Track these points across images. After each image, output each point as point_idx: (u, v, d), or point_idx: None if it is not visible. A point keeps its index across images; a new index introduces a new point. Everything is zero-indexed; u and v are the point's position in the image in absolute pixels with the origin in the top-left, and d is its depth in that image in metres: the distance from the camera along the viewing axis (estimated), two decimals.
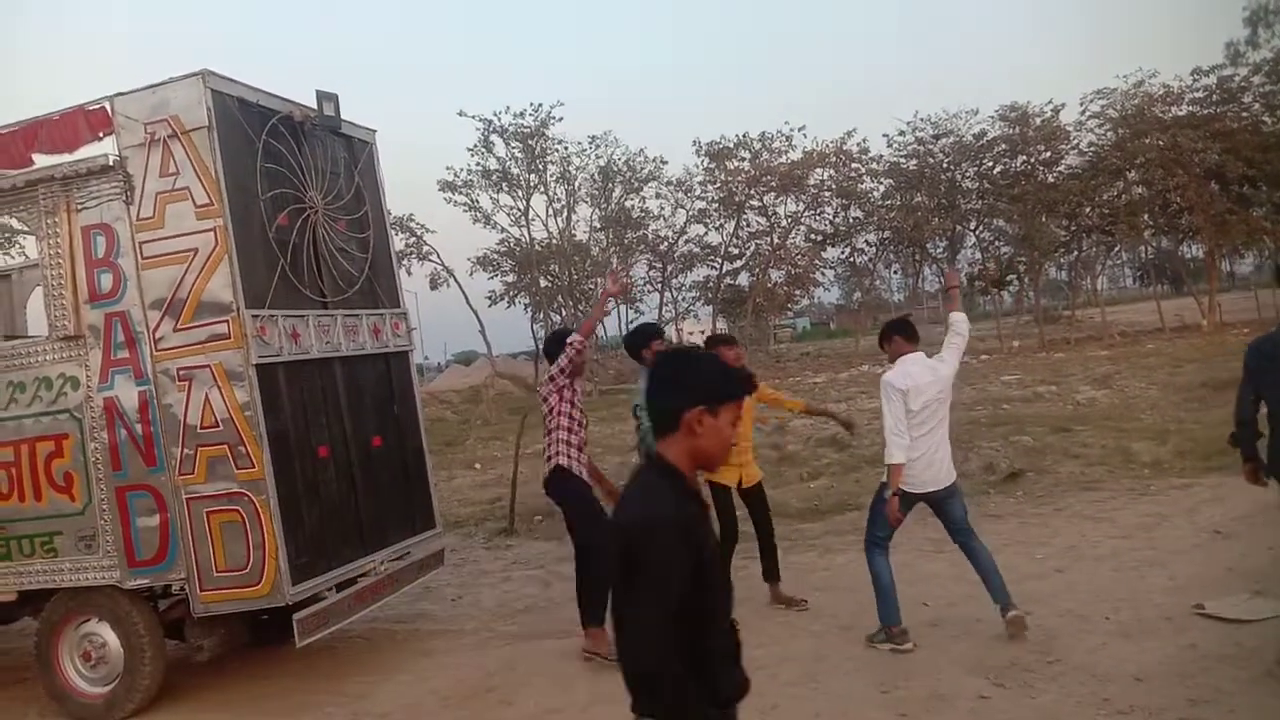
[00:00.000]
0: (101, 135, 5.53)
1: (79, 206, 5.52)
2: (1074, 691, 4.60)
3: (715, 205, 35.71)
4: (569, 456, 5.86)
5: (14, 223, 7.05)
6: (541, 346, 6.70)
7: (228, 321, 5.24)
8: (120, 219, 5.42)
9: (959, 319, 5.80)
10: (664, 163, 36.66)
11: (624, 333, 53.18)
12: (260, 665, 6.29)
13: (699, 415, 2.22)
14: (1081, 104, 31.17)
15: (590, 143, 36.70)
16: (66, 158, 5.61)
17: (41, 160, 5.71)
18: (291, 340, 5.59)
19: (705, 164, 34.85)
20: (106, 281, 5.48)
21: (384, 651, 6.50)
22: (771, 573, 6.45)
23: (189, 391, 5.30)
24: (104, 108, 5.49)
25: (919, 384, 5.32)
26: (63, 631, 5.72)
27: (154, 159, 5.34)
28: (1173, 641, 5.06)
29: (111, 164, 5.42)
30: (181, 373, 5.31)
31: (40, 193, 5.58)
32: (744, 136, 34.02)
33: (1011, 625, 5.29)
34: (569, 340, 5.92)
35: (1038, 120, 31.42)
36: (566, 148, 36.08)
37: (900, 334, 5.59)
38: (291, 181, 5.83)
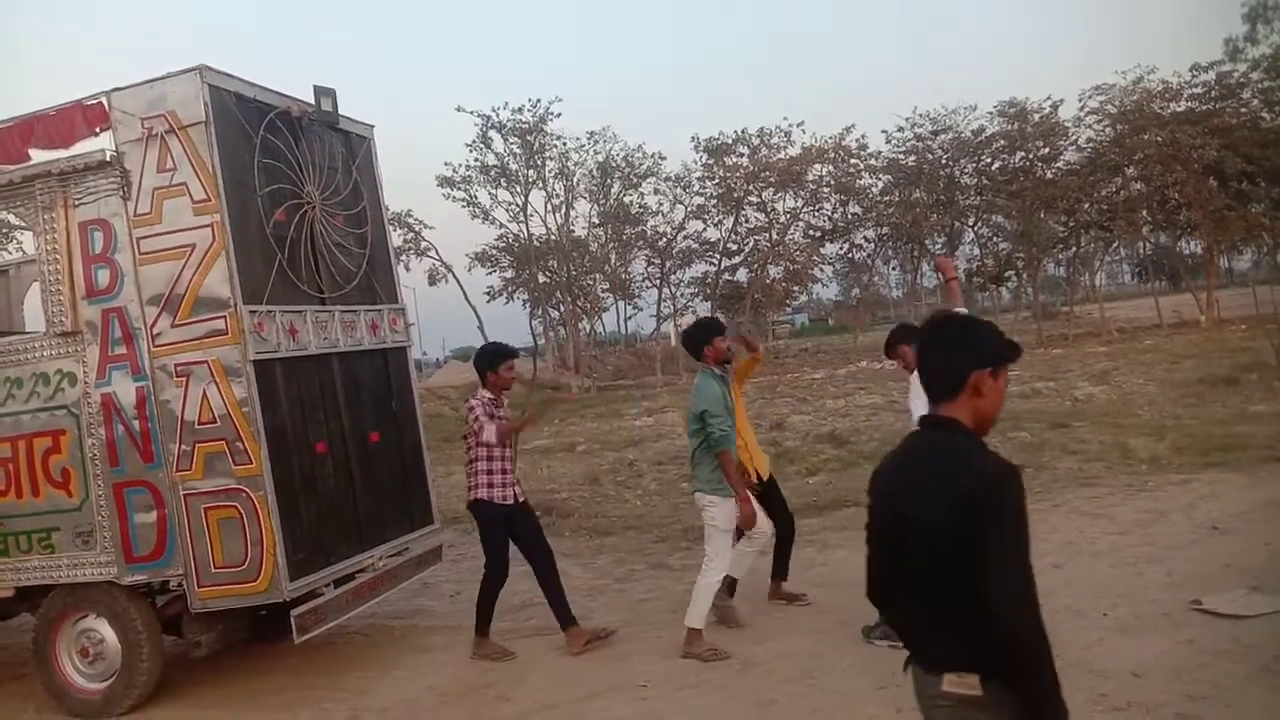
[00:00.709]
0: (99, 130, 5.52)
1: (76, 202, 5.51)
2: (1071, 687, 4.54)
3: (714, 201, 35.70)
4: (490, 487, 5.99)
5: (11, 218, 7.07)
6: (474, 361, 6.65)
7: (225, 317, 5.23)
8: (117, 214, 5.41)
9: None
10: (662, 158, 36.63)
11: (623, 329, 52.95)
12: (258, 661, 6.29)
13: (984, 377, 2.27)
14: (1080, 100, 31.20)
15: (589, 138, 36.69)
16: (63, 153, 5.60)
17: (38, 155, 5.70)
18: (289, 336, 5.59)
19: (704, 160, 34.84)
20: (104, 277, 5.47)
21: (382, 647, 6.51)
22: (782, 569, 6.41)
23: (186, 387, 5.29)
24: (101, 103, 5.48)
25: None
26: (60, 627, 5.71)
27: (151, 154, 5.32)
28: (1170, 637, 5.06)
29: (109, 159, 5.41)
30: (179, 369, 5.31)
31: (37, 188, 5.57)
32: (743, 132, 34.01)
33: None
34: (481, 431, 5.90)
35: (1036, 116, 31.43)
36: (565, 143, 36.06)
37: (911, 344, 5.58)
38: (289, 177, 5.82)
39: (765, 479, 6.22)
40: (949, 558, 2.15)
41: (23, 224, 6.29)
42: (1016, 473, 2.19)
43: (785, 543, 6.33)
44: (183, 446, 5.31)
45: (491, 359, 6.14)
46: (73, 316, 5.52)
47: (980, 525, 2.10)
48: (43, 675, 5.75)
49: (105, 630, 5.61)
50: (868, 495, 2.53)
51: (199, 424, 5.28)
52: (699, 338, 5.94)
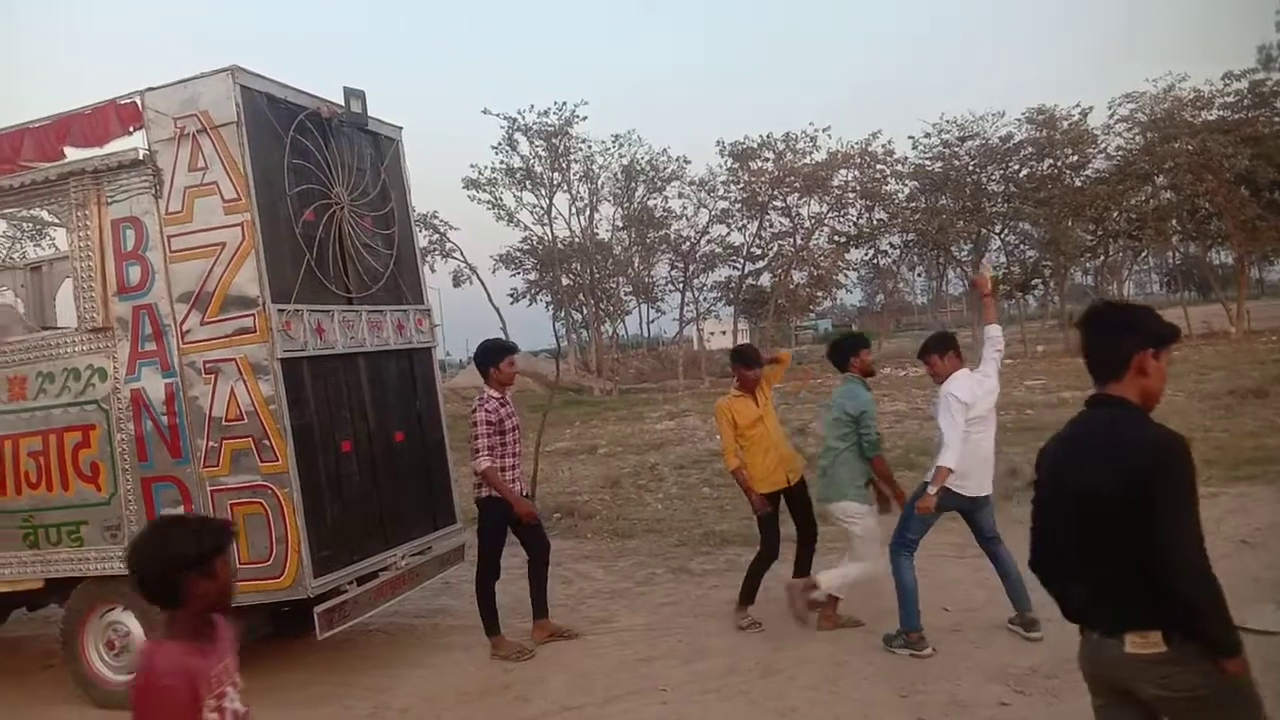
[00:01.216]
0: (132, 130, 5.59)
1: (109, 200, 5.58)
2: None
3: (738, 205, 35.65)
4: (514, 481, 6.10)
5: (45, 215, 7.15)
6: (474, 358, 6.64)
7: (254, 315, 5.28)
8: (149, 212, 5.47)
9: (995, 332, 5.93)
10: (687, 162, 36.69)
11: (646, 332, 52.98)
12: (281, 657, 6.33)
13: (1149, 357, 2.48)
14: (1110, 107, 30.96)
15: (613, 142, 36.79)
16: (97, 151, 5.67)
17: (73, 154, 5.78)
18: (316, 335, 5.63)
19: (729, 164, 34.80)
20: (135, 274, 5.53)
21: (404, 646, 6.53)
22: (804, 572, 6.28)
23: (215, 384, 5.35)
24: (135, 102, 5.54)
25: (976, 395, 5.51)
26: (88, 620, 5.78)
27: (183, 153, 5.38)
28: None
29: (141, 158, 5.48)
30: (207, 365, 5.36)
31: (71, 186, 5.64)
32: (768, 137, 33.96)
33: (1030, 627, 5.38)
34: (477, 455, 5.91)
35: (1065, 123, 31.18)
36: (590, 146, 36.18)
37: (952, 349, 5.68)
38: (318, 177, 5.87)
39: (794, 483, 6.19)
40: (1125, 525, 2.33)
41: (56, 221, 6.37)
42: (1185, 442, 2.39)
43: (806, 549, 6.30)
44: (210, 443, 5.36)
45: (493, 355, 6.17)
46: (104, 313, 5.58)
47: (1154, 492, 2.29)
48: (71, 666, 5.82)
49: (131, 623, 5.67)
50: (1035, 472, 2.73)
51: (226, 421, 5.32)
52: (846, 350, 6.02)
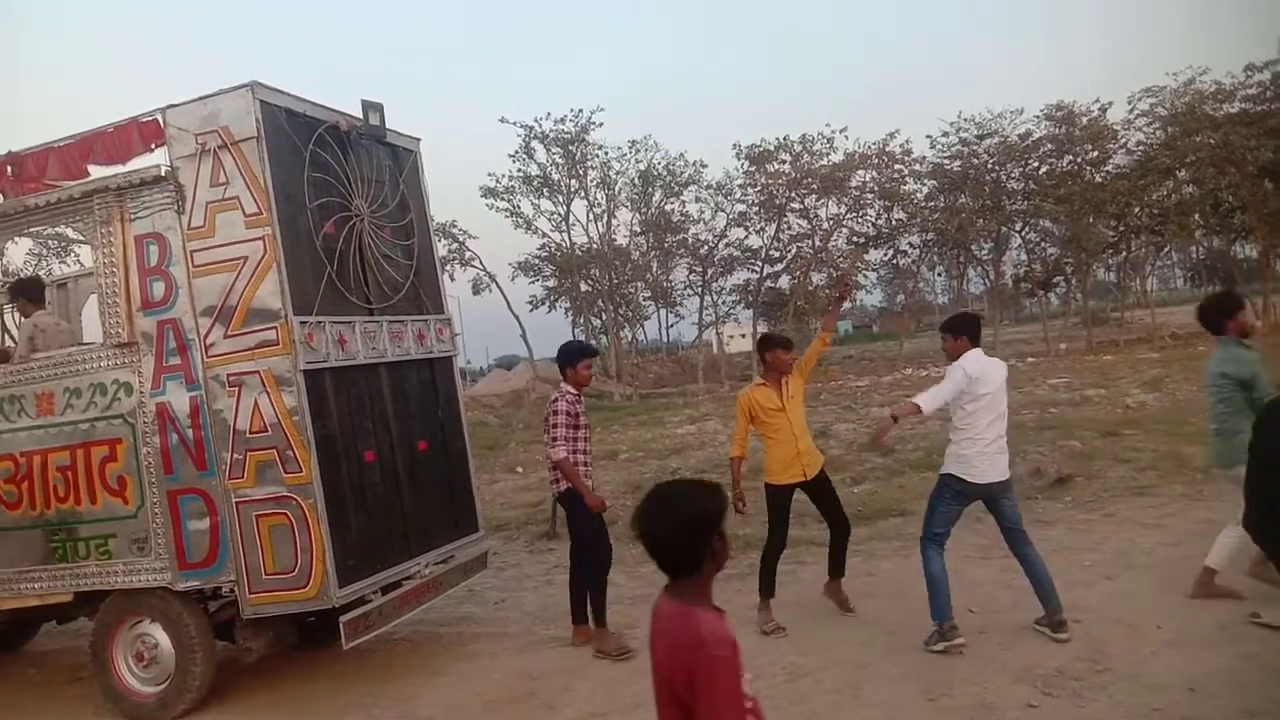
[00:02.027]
0: (154, 146, 5.66)
1: (132, 216, 5.64)
2: (1124, 701, 4.52)
3: (755, 208, 35.60)
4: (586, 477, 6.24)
5: (70, 232, 7.24)
6: (555, 357, 6.79)
7: (276, 328, 5.32)
8: (172, 228, 5.53)
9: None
10: (704, 166, 36.69)
11: (665, 337, 52.80)
12: (308, 667, 6.38)
13: None
14: (1130, 102, 30.69)
15: (630, 147, 36.85)
16: (120, 169, 5.74)
17: (96, 171, 5.86)
18: (338, 346, 5.67)
19: (745, 167, 34.77)
20: (159, 289, 5.59)
21: (428, 654, 6.56)
22: (839, 568, 6.37)
23: (238, 397, 5.39)
24: (156, 120, 5.61)
25: (987, 374, 5.50)
26: (117, 632, 5.84)
27: (205, 169, 5.44)
28: (1228, 651, 4.95)
29: (164, 174, 5.54)
30: (231, 379, 5.41)
31: (95, 203, 5.71)
32: (784, 139, 33.90)
33: (1058, 629, 5.35)
34: (554, 445, 6.15)
35: (1084, 119, 30.95)
36: (607, 153, 36.25)
37: (966, 333, 5.68)
38: (338, 190, 5.92)
39: (811, 478, 6.23)
40: None
41: (81, 238, 6.45)
42: None
43: (839, 545, 6.30)
44: (235, 455, 5.40)
45: (571, 357, 6.39)
46: (129, 328, 5.65)
47: None
48: (100, 678, 5.88)
49: (160, 635, 5.72)
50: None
51: (251, 433, 5.37)
52: (1219, 311, 5.81)
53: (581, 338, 43.30)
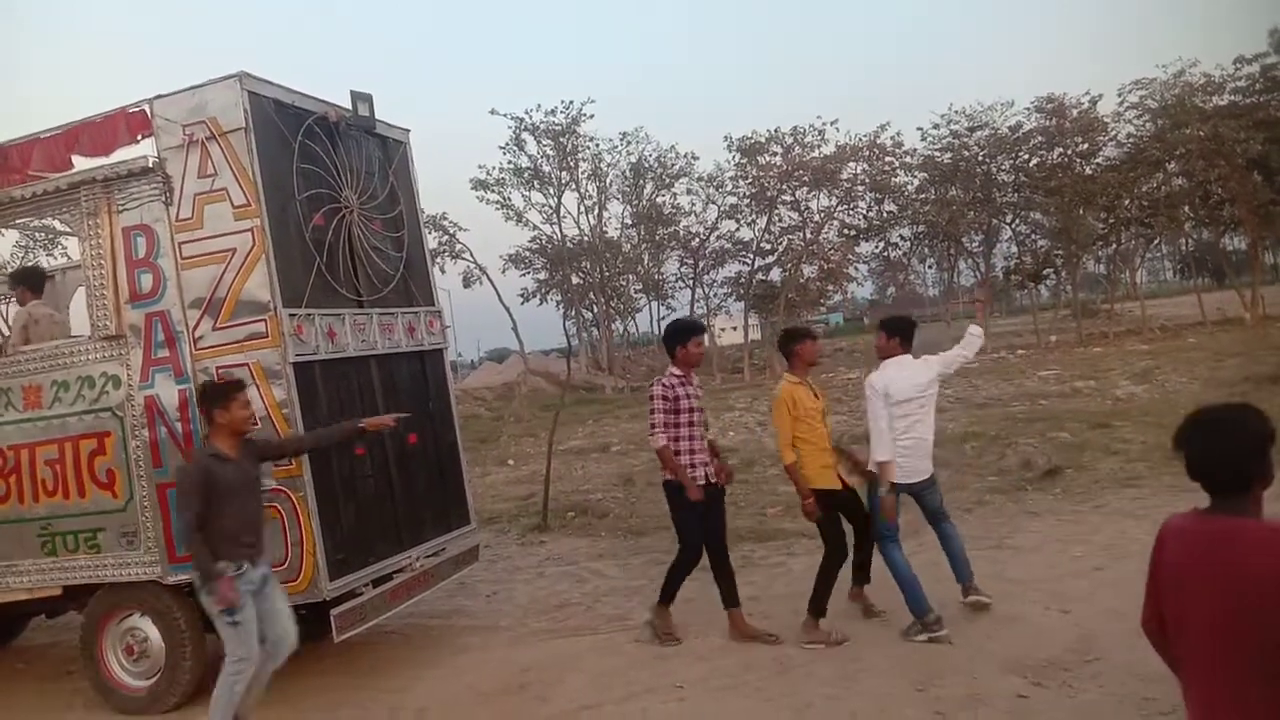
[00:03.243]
0: (141, 138, 5.61)
1: (119, 208, 5.61)
2: (1115, 691, 4.54)
3: (747, 201, 35.60)
4: (689, 467, 5.81)
5: (57, 224, 7.19)
6: (662, 336, 6.58)
7: (265, 320, 5.30)
8: (160, 220, 5.50)
9: (976, 332, 6.08)
10: (695, 158, 36.70)
11: (656, 330, 53.35)
12: (298, 660, 6.33)
13: None
14: (1119, 95, 30.78)
15: (621, 139, 36.83)
16: (106, 160, 5.70)
17: (81, 162, 5.80)
18: (328, 339, 5.64)
19: (736, 159, 34.75)
20: (147, 282, 5.55)
21: (420, 647, 6.55)
22: (866, 576, 6.14)
23: None
24: (143, 110, 5.56)
25: (897, 384, 5.62)
26: (106, 626, 5.82)
27: (192, 160, 5.41)
28: None
29: (151, 165, 5.50)
30: (220, 371, 5.38)
31: (82, 195, 5.67)
32: (775, 131, 33.89)
33: (972, 607, 5.65)
34: (654, 430, 5.87)
35: (1074, 112, 31.03)
36: (598, 145, 36.21)
37: (899, 335, 5.82)
38: (327, 181, 5.89)
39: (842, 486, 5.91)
40: None
41: (68, 230, 6.41)
42: None
43: (865, 552, 6.04)
44: None
45: (681, 334, 6.00)
46: (117, 320, 5.61)
47: None
48: (90, 673, 5.85)
49: (149, 629, 5.70)
50: None
51: None
52: None
53: (573, 330, 43.35)
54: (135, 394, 5.59)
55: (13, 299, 6.50)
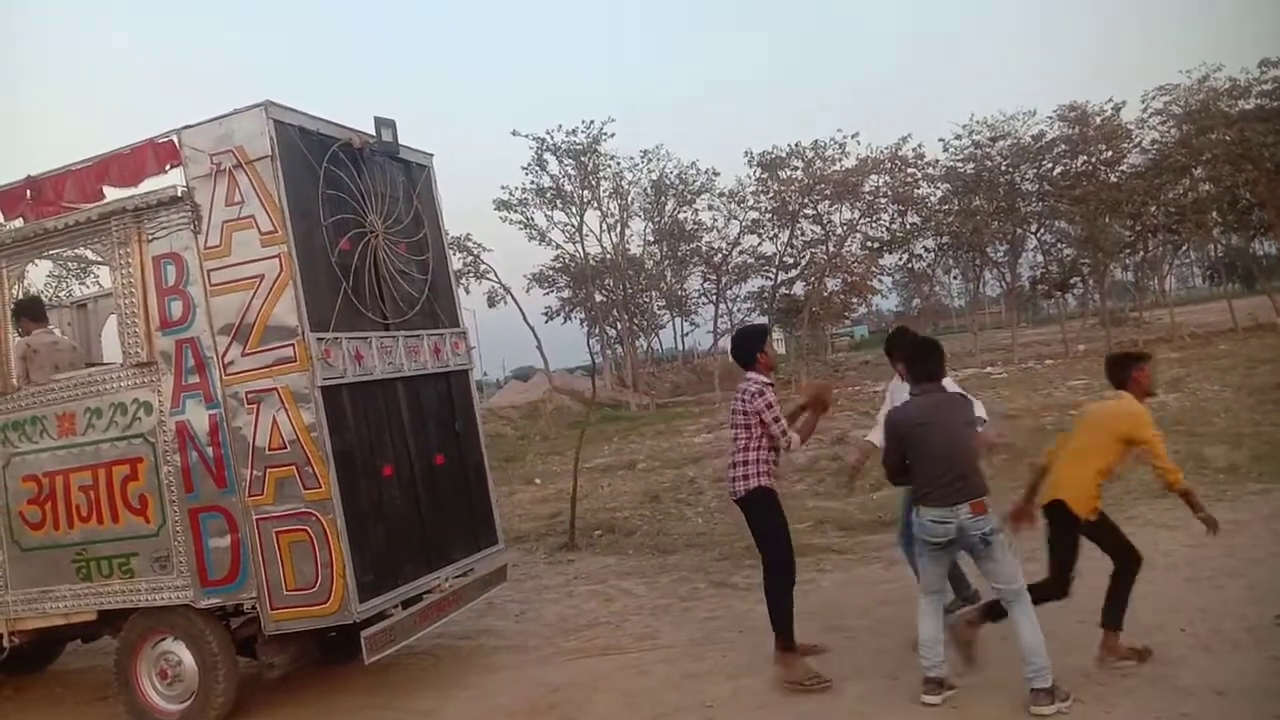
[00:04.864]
0: (169, 167, 5.70)
1: (149, 237, 5.69)
2: (1151, 706, 4.48)
3: (769, 215, 35.60)
4: (769, 476, 5.59)
5: (89, 254, 7.30)
6: (731, 347, 6.21)
7: (293, 345, 5.35)
8: (189, 248, 5.58)
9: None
10: (716, 174, 36.77)
11: (680, 346, 52.99)
12: (330, 682, 6.40)
13: None
14: (1143, 101, 30.55)
15: (642, 157, 36.97)
16: (135, 190, 5.80)
17: (111, 193, 5.91)
18: (355, 362, 5.70)
19: (758, 174, 34.78)
20: (177, 309, 5.63)
21: (450, 667, 6.57)
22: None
23: (257, 414, 5.42)
24: (171, 141, 5.66)
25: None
26: (140, 650, 5.87)
27: (220, 189, 5.48)
28: (1256, 654, 4.90)
29: (180, 195, 5.58)
30: (250, 396, 5.44)
31: (113, 224, 5.76)
32: (796, 145, 33.91)
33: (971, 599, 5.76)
34: (785, 437, 5.52)
35: (1098, 119, 30.83)
36: (619, 163, 36.36)
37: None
38: (352, 207, 5.95)
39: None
40: None
41: (100, 259, 6.52)
42: None
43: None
44: (254, 472, 5.43)
45: (758, 339, 5.78)
46: (148, 348, 5.69)
47: None
48: (125, 696, 5.91)
49: (183, 653, 5.74)
50: None
51: (270, 449, 5.39)
52: None
53: (597, 348, 43.42)
54: (167, 420, 5.66)
55: (19, 331, 6.54)
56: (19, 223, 6.23)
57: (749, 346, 5.75)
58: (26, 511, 6.08)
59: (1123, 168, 31.54)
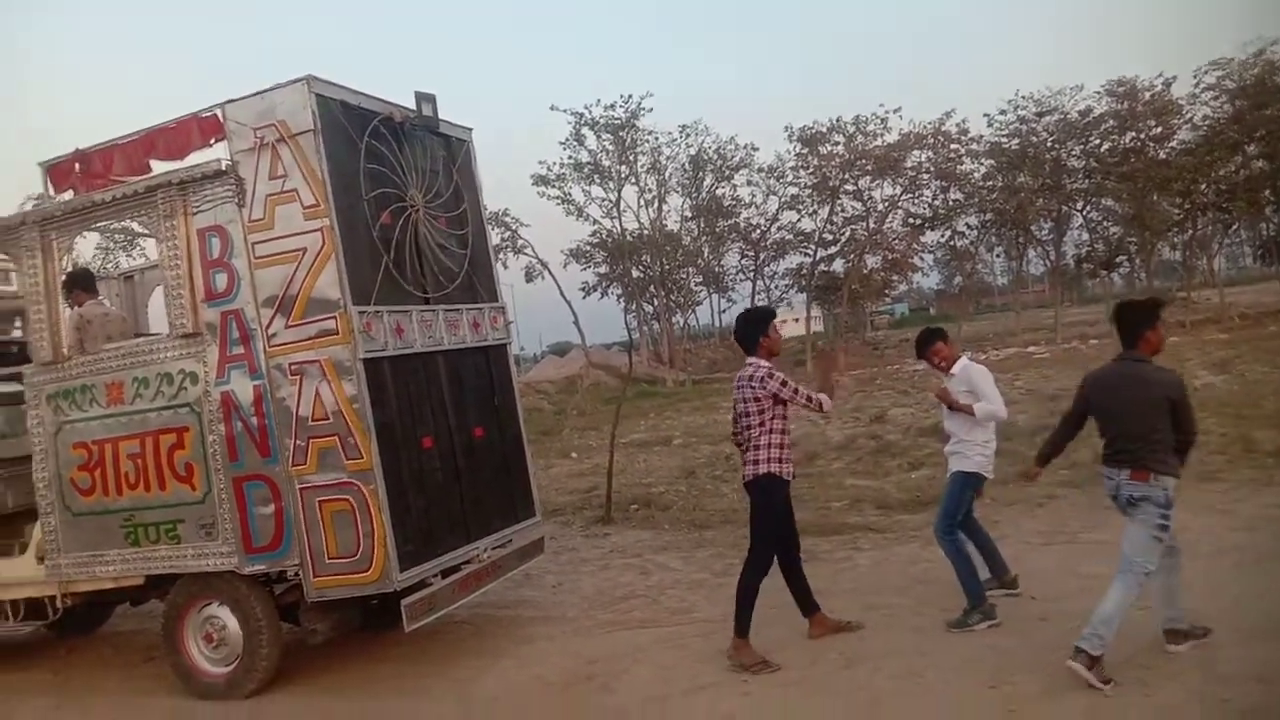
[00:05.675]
0: (213, 141, 5.77)
1: (195, 210, 5.77)
2: (1193, 691, 4.42)
3: (808, 191, 35.32)
4: (781, 462, 5.52)
5: (136, 226, 7.41)
6: (735, 330, 5.99)
7: (335, 318, 5.41)
8: (233, 221, 5.64)
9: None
10: (755, 149, 36.51)
11: (717, 322, 52.91)
12: (371, 649, 6.50)
13: None
14: (1195, 76, 29.86)
15: (680, 132, 36.79)
16: (180, 164, 5.87)
17: (157, 167, 5.99)
18: (396, 335, 5.75)
19: (798, 149, 34.49)
20: (221, 281, 5.71)
21: (488, 637, 6.65)
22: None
23: (300, 385, 5.49)
24: (215, 115, 5.72)
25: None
26: (187, 614, 6.01)
27: (263, 163, 5.54)
28: None
29: (224, 168, 5.64)
30: (293, 367, 5.51)
31: (159, 197, 5.84)
32: (837, 120, 33.56)
33: (1011, 586, 5.97)
34: (805, 396, 5.48)
35: (1147, 94, 30.18)
36: (657, 138, 36.22)
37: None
38: (393, 181, 5.98)
39: None
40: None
41: (146, 232, 6.61)
42: None
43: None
44: (297, 442, 5.51)
45: (761, 323, 5.65)
46: (193, 319, 5.78)
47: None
48: (171, 659, 6.06)
49: (228, 617, 5.88)
50: None
51: (312, 420, 5.47)
52: None
53: (634, 324, 43.45)
54: (212, 390, 5.75)
55: (71, 302, 6.66)
56: (68, 195, 6.34)
57: (752, 330, 5.66)
58: (77, 478, 6.23)
59: (1172, 144, 30.92)
